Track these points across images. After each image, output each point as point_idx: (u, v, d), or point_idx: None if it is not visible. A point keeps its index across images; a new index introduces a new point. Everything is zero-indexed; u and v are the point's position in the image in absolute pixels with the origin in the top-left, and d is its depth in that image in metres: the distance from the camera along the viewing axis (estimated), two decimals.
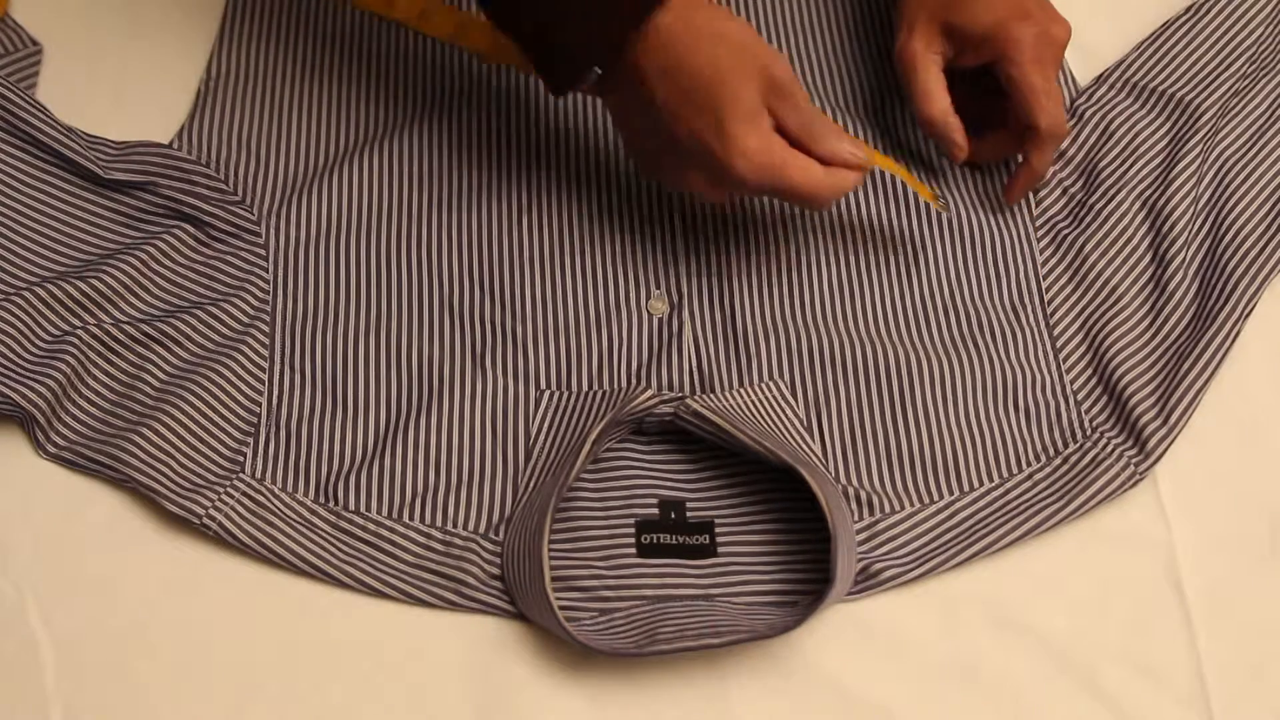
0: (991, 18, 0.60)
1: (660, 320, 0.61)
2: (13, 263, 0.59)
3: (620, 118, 0.59)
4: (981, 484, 0.57)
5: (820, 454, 0.58)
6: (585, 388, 0.59)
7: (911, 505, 0.57)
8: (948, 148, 0.62)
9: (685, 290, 0.62)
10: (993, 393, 0.59)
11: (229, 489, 0.56)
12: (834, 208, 0.64)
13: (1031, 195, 0.65)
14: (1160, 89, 0.67)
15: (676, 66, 0.54)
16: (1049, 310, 0.62)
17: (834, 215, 0.64)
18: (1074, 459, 0.58)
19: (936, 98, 0.62)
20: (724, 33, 0.54)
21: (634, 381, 0.59)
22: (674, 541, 0.55)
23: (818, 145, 0.54)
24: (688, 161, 0.55)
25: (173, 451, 0.56)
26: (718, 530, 0.56)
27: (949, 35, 0.62)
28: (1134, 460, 0.57)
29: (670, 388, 0.58)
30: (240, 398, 0.58)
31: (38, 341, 0.57)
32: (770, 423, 0.57)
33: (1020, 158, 0.62)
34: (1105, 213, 0.63)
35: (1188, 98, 0.66)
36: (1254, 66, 0.68)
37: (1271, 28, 0.69)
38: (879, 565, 0.55)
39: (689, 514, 0.56)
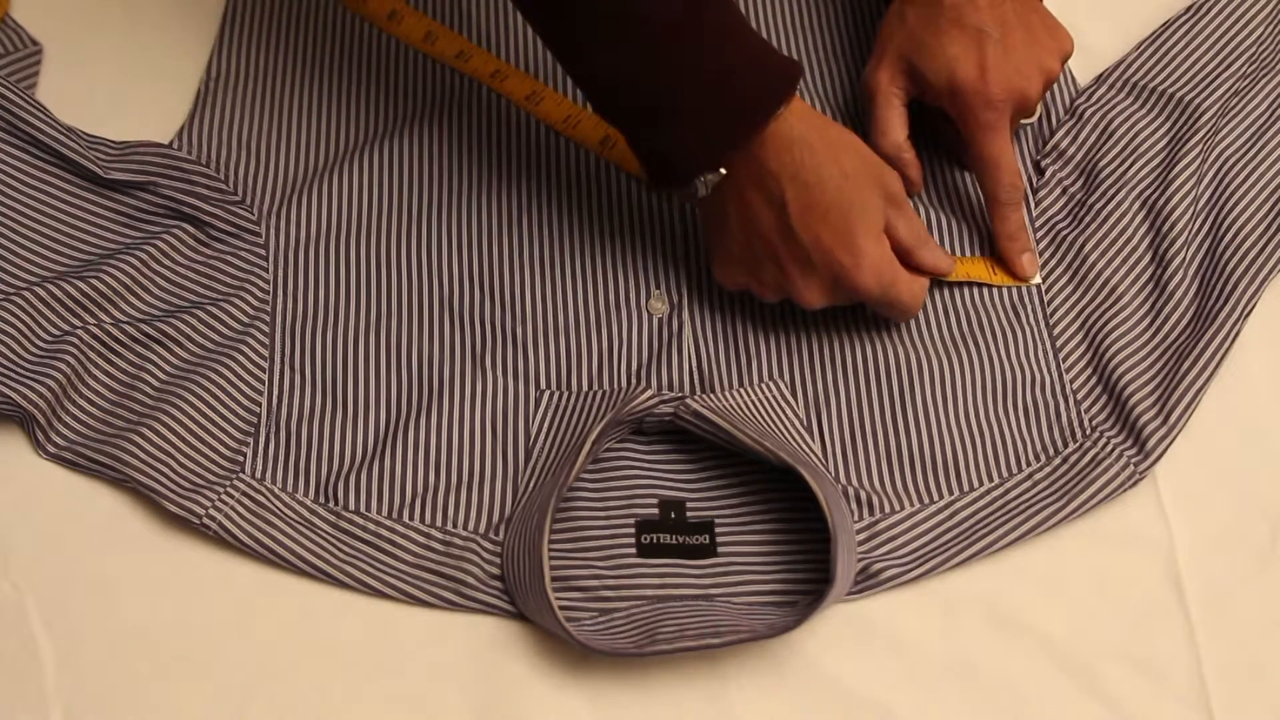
0: (948, 74, 0.60)
1: (660, 320, 0.61)
2: (13, 263, 0.59)
3: (721, 221, 0.57)
4: (981, 484, 0.57)
5: (820, 454, 0.58)
6: (585, 388, 0.59)
7: (911, 505, 0.57)
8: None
9: (685, 290, 0.62)
10: (993, 392, 0.59)
11: (229, 489, 0.56)
12: None
13: (1031, 195, 0.65)
14: (1160, 89, 0.67)
15: (808, 172, 0.54)
16: (1049, 310, 0.62)
17: None
18: (1074, 459, 0.58)
19: (890, 133, 0.62)
20: (848, 143, 0.55)
21: (634, 381, 0.59)
22: (674, 541, 0.55)
23: (918, 254, 0.58)
24: (805, 268, 0.55)
25: (173, 451, 0.56)
26: (718, 530, 0.56)
27: (911, 76, 0.62)
28: (1134, 460, 0.57)
29: (670, 388, 0.58)
30: (240, 398, 0.58)
31: (38, 341, 0.57)
32: (770, 423, 0.57)
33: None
34: (1105, 213, 0.63)
35: (1188, 98, 0.66)
36: (1254, 66, 0.68)
37: (1271, 28, 0.69)
38: (879, 565, 0.55)
39: (689, 514, 0.56)
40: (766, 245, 0.56)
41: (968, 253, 0.63)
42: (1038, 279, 0.62)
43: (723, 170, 0.54)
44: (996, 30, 0.60)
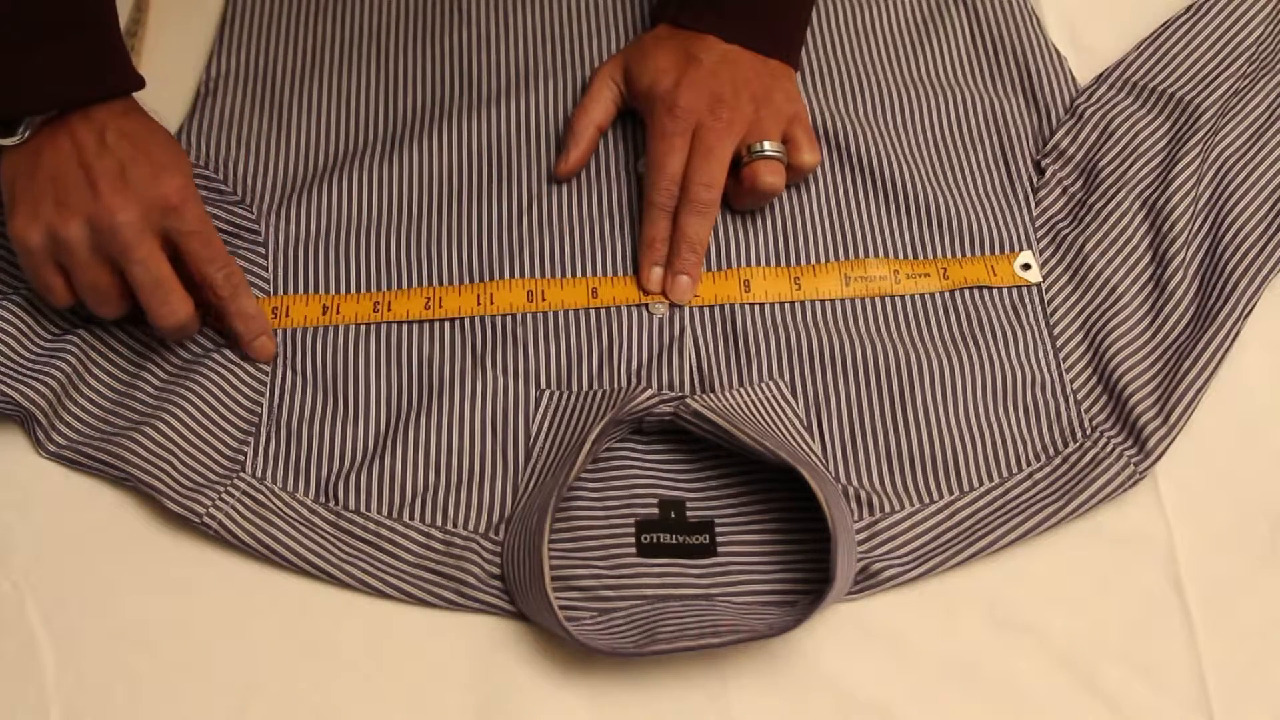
0: (646, 82, 0.63)
1: (660, 320, 0.61)
2: (13, 262, 0.59)
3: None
4: (981, 483, 0.57)
5: (820, 454, 0.58)
6: (585, 387, 0.59)
7: (911, 505, 0.57)
8: (560, 152, 0.64)
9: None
10: (993, 392, 0.59)
11: (229, 488, 0.56)
12: (832, 209, 0.64)
13: (1032, 194, 0.65)
14: (1160, 89, 0.67)
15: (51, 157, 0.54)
16: (1049, 310, 0.62)
17: (833, 216, 0.64)
18: (1074, 458, 0.58)
19: (589, 111, 0.64)
20: (154, 155, 0.55)
21: (634, 381, 0.59)
22: (674, 541, 0.55)
23: (201, 269, 0.56)
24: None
25: (174, 451, 0.56)
26: (718, 530, 0.56)
27: (627, 76, 0.64)
28: (1134, 460, 0.57)
29: (670, 387, 0.58)
30: (241, 397, 0.58)
31: (38, 341, 0.57)
32: (770, 422, 0.57)
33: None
34: (1105, 212, 0.64)
35: (1188, 97, 0.66)
36: (1254, 66, 0.68)
37: (1271, 28, 0.69)
38: (879, 565, 0.55)
39: (689, 514, 0.56)
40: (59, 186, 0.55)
41: (966, 253, 0.63)
42: (1038, 278, 0.62)
43: (36, 119, 0.54)
44: (717, 66, 0.62)
